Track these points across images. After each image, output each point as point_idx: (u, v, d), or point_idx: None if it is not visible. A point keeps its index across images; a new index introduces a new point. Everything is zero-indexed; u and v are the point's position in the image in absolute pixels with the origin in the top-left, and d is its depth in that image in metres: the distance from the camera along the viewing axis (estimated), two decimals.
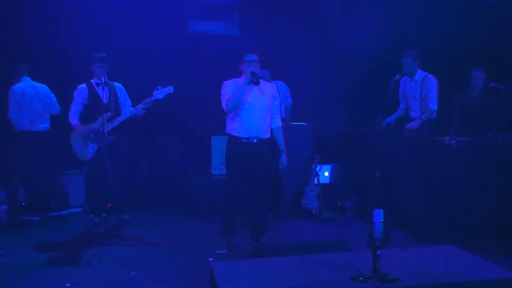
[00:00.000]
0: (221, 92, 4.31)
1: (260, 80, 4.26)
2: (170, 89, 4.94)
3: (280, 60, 6.86)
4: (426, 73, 5.35)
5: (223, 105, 4.24)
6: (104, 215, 4.96)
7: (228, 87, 4.28)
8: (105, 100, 4.98)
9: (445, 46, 5.95)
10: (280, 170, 4.60)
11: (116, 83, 5.24)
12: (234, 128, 4.28)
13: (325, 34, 7.01)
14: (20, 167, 5.80)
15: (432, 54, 5.77)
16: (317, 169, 5.76)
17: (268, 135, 4.36)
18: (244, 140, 4.23)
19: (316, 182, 5.72)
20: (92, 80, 5.14)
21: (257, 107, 4.23)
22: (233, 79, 4.34)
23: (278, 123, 4.50)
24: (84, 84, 5.15)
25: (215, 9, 7.04)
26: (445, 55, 5.92)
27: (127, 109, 5.15)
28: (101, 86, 4.85)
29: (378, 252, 2.68)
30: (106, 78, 5.02)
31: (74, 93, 5.14)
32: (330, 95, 7.00)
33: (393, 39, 6.18)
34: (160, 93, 4.93)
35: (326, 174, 6.38)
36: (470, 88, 5.37)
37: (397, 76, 5.09)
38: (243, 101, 4.18)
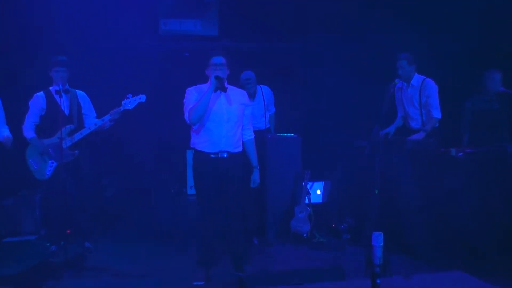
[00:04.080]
0: (184, 101, 4.28)
1: (229, 86, 4.23)
2: (141, 97, 4.92)
3: (265, 64, 6.91)
4: (424, 76, 5.42)
5: (185, 116, 4.21)
6: (62, 242, 4.89)
7: (191, 95, 4.25)
8: (65, 110, 4.93)
9: (447, 47, 6.06)
10: (255, 189, 4.58)
11: (78, 91, 5.20)
12: (200, 142, 4.25)
13: (316, 34, 7.11)
14: None
15: (432, 56, 5.88)
16: (308, 186, 5.77)
17: (239, 149, 4.35)
18: (212, 155, 4.21)
19: (306, 201, 5.73)
20: (51, 88, 5.09)
21: (225, 117, 4.21)
22: (198, 85, 4.32)
23: (250, 134, 4.50)
24: (42, 92, 5.09)
25: (190, 6, 7.06)
26: (446, 56, 6.04)
27: (92, 121, 5.11)
28: (60, 94, 4.80)
29: (378, 281, 2.68)
30: (67, 85, 4.98)
31: (29, 102, 5.09)
32: (321, 103, 7.07)
33: (392, 39, 6.28)
34: (130, 102, 4.90)
35: (318, 192, 6.39)
36: (483, 91, 5.40)
37: (396, 81, 5.15)
38: (208, 111, 4.15)
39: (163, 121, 6.73)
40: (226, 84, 4.20)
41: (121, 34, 6.68)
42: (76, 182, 5.12)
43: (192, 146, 4.34)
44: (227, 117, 4.21)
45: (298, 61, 7.40)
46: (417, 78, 5.43)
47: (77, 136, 4.99)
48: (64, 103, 4.86)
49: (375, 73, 6.41)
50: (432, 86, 5.35)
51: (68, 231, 4.92)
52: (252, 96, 6.00)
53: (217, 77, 4.12)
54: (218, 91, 4.20)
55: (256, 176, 4.48)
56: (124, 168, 6.94)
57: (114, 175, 6.84)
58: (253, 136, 4.52)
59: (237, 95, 4.35)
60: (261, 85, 6.24)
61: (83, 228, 5.27)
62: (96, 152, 5.62)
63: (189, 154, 5.96)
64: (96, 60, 6.41)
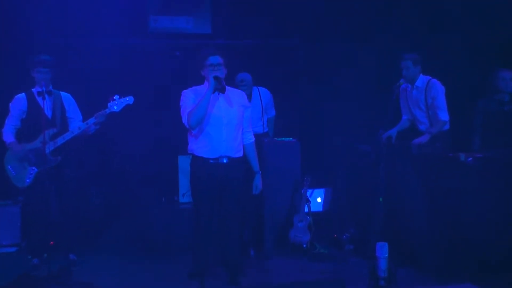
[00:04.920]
0: (181, 104, 4.30)
1: (227, 87, 4.24)
2: (129, 99, 4.93)
3: (262, 63, 6.93)
4: (429, 77, 5.45)
5: (184, 120, 4.23)
6: (45, 255, 4.89)
7: (188, 98, 4.26)
8: (48, 113, 4.94)
9: (453, 45, 6.09)
10: (256, 195, 4.61)
11: (62, 93, 5.20)
12: (199, 147, 4.27)
13: (316, 30, 7.13)
14: None
15: (437, 54, 5.92)
16: (308, 194, 5.78)
17: (240, 153, 4.38)
18: (211, 161, 4.24)
19: (306, 210, 5.73)
20: (33, 89, 5.10)
21: (225, 120, 4.24)
22: (194, 87, 4.34)
23: (251, 138, 4.53)
24: (23, 93, 5.10)
25: (182, 2, 7.07)
26: (452, 55, 6.06)
27: (76, 124, 5.12)
28: (43, 96, 4.80)
29: None
30: (50, 86, 4.99)
31: (10, 104, 5.10)
32: (321, 104, 7.08)
33: (396, 36, 6.31)
34: (117, 104, 4.91)
35: (319, 200, 6.41)
36: (495, 91, 5.40)
37: (401, 81, 5.22)
38: (208, 114, 4.17)
39: (153, 124, 6.74)
40: (224, 85, 4.22)
41: (107, 32, 6.66)
42: (59, 189, 5.12)
43: (190, 151, 4.37)
44: (227, 120, 4.24)
45: (297, 59, 7.42)
46: (422, 79, 5.45)
47: (60, 140, 4.98)
48: (47, 105, 4.86)
49: (379, 73, 6.46)
50: (438, 87, 5.37)
51: (51, 242, 4.89)
52: (247, 99, 5.99)
53: (216, 78, 4.14)
54: (216, 93, 4.23)
55: (258, 181, 4.51)
56: (111, 175, 6.92)
57: (100, 182, 6.80)
58: (253, 139, 4.55)
59: (236, 96, 4.38)
60: (259, 87, 6.27)
61: (67, 239, 5.25)
62: (80, 157, 5.61)
63: (181, 160, 5.97)
64: (81, 59, 6.41)
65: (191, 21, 7.05)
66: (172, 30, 7.05)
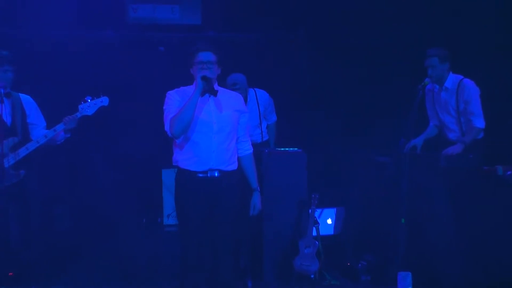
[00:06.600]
0: (164, 107, 4.28)
1: (220, 88, 4.23)
2: (103, 100, 4.91)
3: (260, 61, 6.96)
4: (461, 76, 5.44)
5: (166, 127, 4.20)
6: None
7: (173, 101, 4.24)
8: (7, 120, 4.90)
9: (488, 38, 6.09)
10: (254, 216, 4.56)
11: (22, 95, 5.16)
12: (184, 158, 4.24)
13: (322, 22, 7.14)
14: None
15: (469, 49, 5.93)
16: (316, 214, 5.72)
17: (234, 166, 4.34)
18: (199, 175, 4.20)
19: (314, 233, 5.67)
20: None
21: (215, 127, 4.20)
22: (181, 88, 4.32)
23: (248, 148, 4.50)
24: None
25: None
26: (486, 50, 6.07)
27: (40, 132, 5.08)
28: (1, 99, 4.71)
29: None
30: (8, 87, 4.92)
31: None
32: (331, 108, 7.10)
33: (418, 27, 6.34)
34: (89, 106, 4.89)
35: (329, 221, 6.39)
36: None
37: (426, 81, 5.21)
38: (195, 120, 4.14)
39: (132, 131, 6.76)
40: (216, 86, 4.19)
41: (78, 22, 6.65)
42: (21, 210, 5.06)
43: (174, 163, 4.33)
44: (218, 127, 4.20)
45: (300, 55, 7.45)
46: (452, 79, 5.44)
47: (23, 151, 4.94)
48: (5, 110, 4.80)
49: (399, 71, 6.48)
50: (472, 89, 5.35)
51: (11, 273, 4.89)
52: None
53: (204, 78, 4.10)
54: (207, 95, 4.20)
55: (257, 200, 4.48)
56: (82, 192, 6.91)
57: (70, 202, 6.83)
58: (251, 151, 4.51)
59: (230, 99, 4.35)
60: (255, 89, 6.28)
61: (29, 269, 5.18)
62: (47, 172, 5.55)
63: (166, 174, 5.95)
64: (45, 54, 6.43)
65: (177, 9, 7.08)
66: (155, 20, 7.07)
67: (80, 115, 4.89)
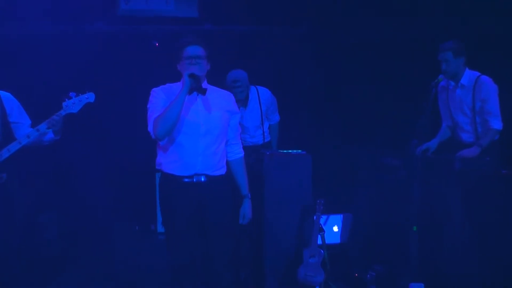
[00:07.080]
0: (148, 105, 4.26)
1: (209, 87, 4.21)
2: (88, 97, 4.81)
3: (262, 57, 6.99)
4: (478, 73, 5.40)
5: (149, 127, 4.18)
6: None
7: (158, 99, 4.21)
8: None
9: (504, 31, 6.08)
10: (246, 225, 4.54)
11: (2, 92, 5.08)
12: (168, 161, 4.20)
13: (328, 16, 7.15)
14: None
15: (483, 44, 5.92)
16: (321, 221, 5.69)
17: (222, 171, 4.31)
18: (185, 180, 4.16)
19: (319, 242, 5.63)
20: None
21: (203, 128, 4.16)
22: (168, 85, 4.30)
23: (239, 152, 4.47)
24: None
25: None
26: (502, 44, 6.06)
27: (23, 132, 4.97)
28: None
29: None
30: None
31: None
32: (337, 108, 7.14)
33: (430, 20, 6.35)
34: (73, 103, 4.78)
35: (335, 229, 6.35)
36: None
37: (440, 77, 5.19)
38: (181, 120, 4.11)
39: (122, 131, 6.78)
40: (205, 84, 4.17)
41: (65, 14, 6.68)
42: (4, 218, 4.94)
43: (157, 167, 4.29)
44: (205, 128, 4.16)
45: (305, 51, 7.45)
46: (468, 75, 5.39)
47: (4, 153, 4.83)
48: None
49: (410, 67, 6.44)
50: (490, 86, 5.30)
51: None
52: (243, 102, 6.06)
53: (191, 75, 4.06)
54: (194, 93, 4.17)
55: (246, 209, 4.43)
56: (70, 198, 6.92)
57: (55, 207, 6.82)
58: (242, 154, 4.49)
59: (220, 98, 4.32)
60: (257, 86, 6.26)
61: (12, 280, 5.11)
62: (31, 177, 5.47)
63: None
64: (28, 48, 6.44)
65: (172, 2, 7.10)
66: (148, 13, 7.09)
67: (65, 113, 4.78)
